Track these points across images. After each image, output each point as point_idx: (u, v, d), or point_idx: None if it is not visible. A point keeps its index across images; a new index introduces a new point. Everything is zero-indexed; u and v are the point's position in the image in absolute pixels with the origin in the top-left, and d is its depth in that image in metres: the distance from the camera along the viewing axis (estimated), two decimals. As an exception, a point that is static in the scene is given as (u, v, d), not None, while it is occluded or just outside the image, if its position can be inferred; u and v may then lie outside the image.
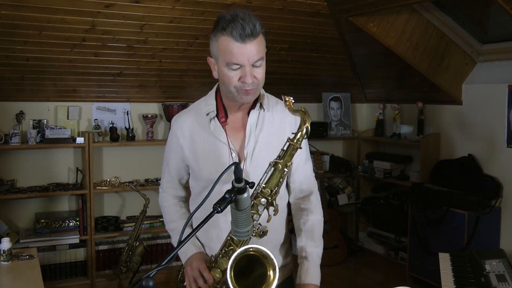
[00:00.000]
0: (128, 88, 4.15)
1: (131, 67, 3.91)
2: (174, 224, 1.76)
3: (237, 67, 1.49)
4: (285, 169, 1.47)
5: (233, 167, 1.25)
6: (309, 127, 1.45)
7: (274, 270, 1.39)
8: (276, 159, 1.47)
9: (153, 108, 4.37)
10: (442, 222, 3.80)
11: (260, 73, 1.53)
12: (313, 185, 1.77)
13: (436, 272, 2.47)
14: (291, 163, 1.48)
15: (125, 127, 4.20)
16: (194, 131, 1.66)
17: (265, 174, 1.48)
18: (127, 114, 4.21)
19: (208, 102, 1.66)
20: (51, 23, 3.30)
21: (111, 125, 4.13)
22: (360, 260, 4.80)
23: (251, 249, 1.39)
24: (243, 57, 1.47)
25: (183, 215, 1.78)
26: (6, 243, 2.34)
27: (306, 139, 1.74)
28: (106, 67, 3.85)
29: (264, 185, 1.47)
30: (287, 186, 1.76)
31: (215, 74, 1.59)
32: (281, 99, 1.57)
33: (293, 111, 1.46)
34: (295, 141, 1.46)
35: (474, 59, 4.09)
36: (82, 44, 3.56)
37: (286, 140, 1.48)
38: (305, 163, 1.74)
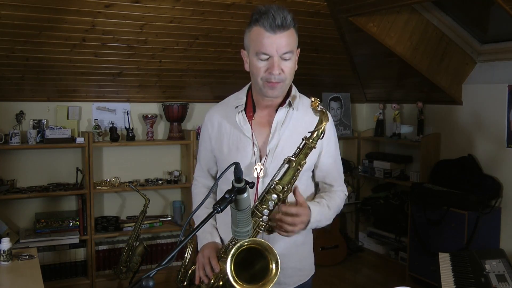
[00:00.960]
0: (128, 88, 4.15)
1: (131, 67, 3.91)
2: (200, 211, 1.79)
3: (266, 57, 1.53)
4: (299, 168, 1.49)
5: (233, 167, 1.25)
6: (325, 127, 1.49)
7: (276, 263, 1.40)
8: (291, 156, 1.49)
9: (153, 108, 4.37)
10: (442, 222, 3.80)
11: (288, 66, 1.56)
12: (342, 188, 1.81)
13: (436, 272, 2.47)
14: (305, 162, 1.50)
15: (125, 127, 4.20)
16: (222, 123, 1.71)
17: (279, 170, 1.50)
18: (127, 114, 4.21)
19: (239, 97, 1.71)
20: (51, 23, 3.30)
21: (111, 125, 4.13)
22: (360, 260, 4.81)
23: (253, 243, 1.40)
24: (271, 47, 1.51)
25: (208, 204, 1.79)
26: (6, 243, 2.34)
27: (337, 143, 1.77)
28: (106, 67, 3.85)
29: (277, 181, 1.49)
30: (315, 186, 1.78)
31: (246, 67, 1.64)
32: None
33: (316, 111, 1.50)
34: (310, 140, 1.49)
35: (474, 59, 4.09)
36: (82, 44, 3.56)
37: (302, 139, 1.50)
38: (335, 166, 1.77)
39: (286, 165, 1.49)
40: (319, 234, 4.56)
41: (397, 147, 4.86)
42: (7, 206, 3.91)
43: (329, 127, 1.71)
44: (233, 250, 1.39)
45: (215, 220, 1.76)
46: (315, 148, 1.50)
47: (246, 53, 1.62)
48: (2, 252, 2.32)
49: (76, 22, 3.36)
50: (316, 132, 1.48)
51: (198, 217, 1.77)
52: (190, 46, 3.86)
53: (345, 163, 5.03)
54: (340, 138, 5.03)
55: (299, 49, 1.64)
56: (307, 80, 4.71)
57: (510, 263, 2.43)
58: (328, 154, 1.72)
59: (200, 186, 1.88)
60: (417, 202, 4.03)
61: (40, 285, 2.10)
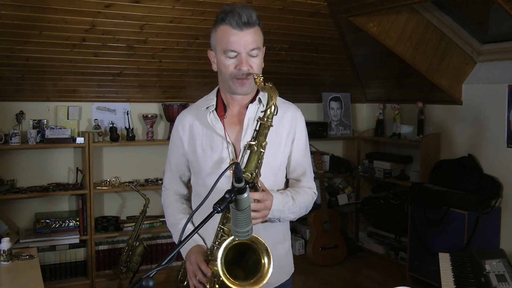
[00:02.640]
0: (128, 88, 4.15)
1: (131, 67, 3.91)
2: (172, 218, 1.78)
3: (234, 54, 1.55)
4: (261, 150, 1.48)
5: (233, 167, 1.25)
6: (276, 103, 1.48)
7: (268, 255, 1.38)
8: (250, 141, 1.48)
9: (153, 108, 4.37)
10: (442, 222, 3.80)
11: (256, 63, 1.58)
12: (310, 185, 1.75)
13: (436, 272, 2.47)
14: (266, 143, 1.49)
15: (125, 127, 4.20)
16: (194, 125, 1.71)
17: (242, 158, 1.49)
18: (127, 114, 4.21)
19: (208, 98, 1.73)
20: (51, 23, 3.30)
21: (111, 125, 4.13)
22: (360, 260, 4.80)
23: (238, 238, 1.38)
24: (238, 44, 1.54)
25: (184, 210, 1.79)
26: (6, 243, 2.34)
27: (307, 138, 1.75)
28: (106, 67, 3.85)
29: (243, 170, 1.47)
30: (286, 182, 1.76)
31: (214, 67, 1.66)
32: (290, 101, 1.69)
33: (263, 88, 1.51)
34: (265, 119, 1.48)
35: (474, 59, 4.09)
36: (82, 44, 3.56)
37: (256, 120, 1.50)
38: (303, 161, 1.74)
39: (248, 151, 1.48)
40: (319, 234, 4.56)
41: (397, 147, 4.86)
42: (7, 206, 3.91)
43: (300, 119, 1.73)
44: (221, 250, 1.37)
45: (193, 224, 1.71)
46: (272, 126, 1.49)
47: (213, 53, 1.64)
48: (2, 252, 2.32)
49: (76, 22, 3.36)
50: (268, 110, 1.48)
51: (173, 226, 1.75)
52: (190, 46, 3.86)
53: (345, 163, 5.04)
54: (340, 138, 5.10)
55: (264, 47, 1.66)
56: (307, 80, 4.71)
57: (510, 263, 2.43)
58: (297, 147, 1.71)
59: (172, 194, 1.83)
60: (417, 202, 4.03)
61: (40, 285, 2.10)
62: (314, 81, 4.80)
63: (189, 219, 1.30)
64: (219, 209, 1.20)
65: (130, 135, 4.16)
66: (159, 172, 4.39)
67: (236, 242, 1.40)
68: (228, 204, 1.23)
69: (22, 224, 3.98)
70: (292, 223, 1.78)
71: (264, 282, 1.39)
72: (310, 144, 1.83)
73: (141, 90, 4.21)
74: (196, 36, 3.77)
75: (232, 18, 1.52)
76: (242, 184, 1.23)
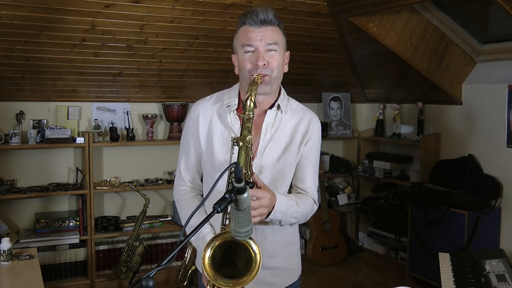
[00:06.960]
0: (128, 88, 4.15)
1: (131, 67, 3.91)
2: (192, 220, 1.72)
3: (251, 49, 1.57)
4: (247, 145, 1.45)
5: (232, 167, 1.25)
6: (253, 97, 1.48)
7: (256, 245, 1.37)
8: (236, 137, 1.47)
9: (153, 108, 4.37)
10: (442, 222, 3.80)
11: (274, 58, 1.58)
12: (313, 194, 1.73)
13: (436, 272, 2.47)
14: (251, 137, 1.46)
15: (125, 127, 4.20)
16: (213, 119, 1.68)
17: (231, 155, 1.48)
18: (127, 114, 4.21)
19: (230, 95, 1.70)
20: (51, 23, 3.30)
21: (111, 125, 4.13)
22: (360, 260, 4.81)
23: (222, 238, 1.37)
24: (256, 39, 1.56)
25: (199, 212, 1.74)
26: (6, 243, 2.34)
27: (319, 148, 1.74)
28: (106, 67, 3.85)
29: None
30: (290, 187, 1.76)
31: (236, 70, 1.66)
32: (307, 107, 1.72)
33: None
34: (246, 112, 1.48)
35: (474, 59, 4.09)
36: (82, 44, 3.56)
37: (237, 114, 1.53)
38: (308, 168, 1.73)
39: (237, 147, 1.45)
40: (319, 234, 4.56)
41: (397, 147, 4.86)
42: (7, 206, 3.91)
43: (314, 126, 1.71)
44: (208, 253, 1.35)
45: (211, 224, 1.65)
46: (251, 118, 1.47)
47: (235, 56, 1.65)
48: (2, 252, 2.32)
49: (76, 22, 3.36)
50: (247, 103, 1.47)
51: (191, 227, 1.63)
52: (190, 46, 3.86)
53: (345, 163, 5.04)
54: (340, 138, 5.10)
55: (288, 52, 1.66)
56: (307, 80, 4.71)
57: (510, 263, 2.43)
58: (305, 154, 1.70)
59: (186, 192, 1.74)
60: (417, 202, 4.03)
61: (40, 285, 2.11)
62: (314, 81, 4.80)
63: (188, 221, 1.29)
64: (219, 209, 1.20)
65: (130, 135, 4.16)
66: (159, 172, 4.40)
67: (220, 242, 1.38)
68: (228, 204, 1.23)
69: (22, 224, 3.97)
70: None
71: (258, 269, 1.35)
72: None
73: (141, 90, 4.21)
74: (196, 36, 3.77)
75: (251, 17, 1.57)
76: (242, 184, 1.23)
